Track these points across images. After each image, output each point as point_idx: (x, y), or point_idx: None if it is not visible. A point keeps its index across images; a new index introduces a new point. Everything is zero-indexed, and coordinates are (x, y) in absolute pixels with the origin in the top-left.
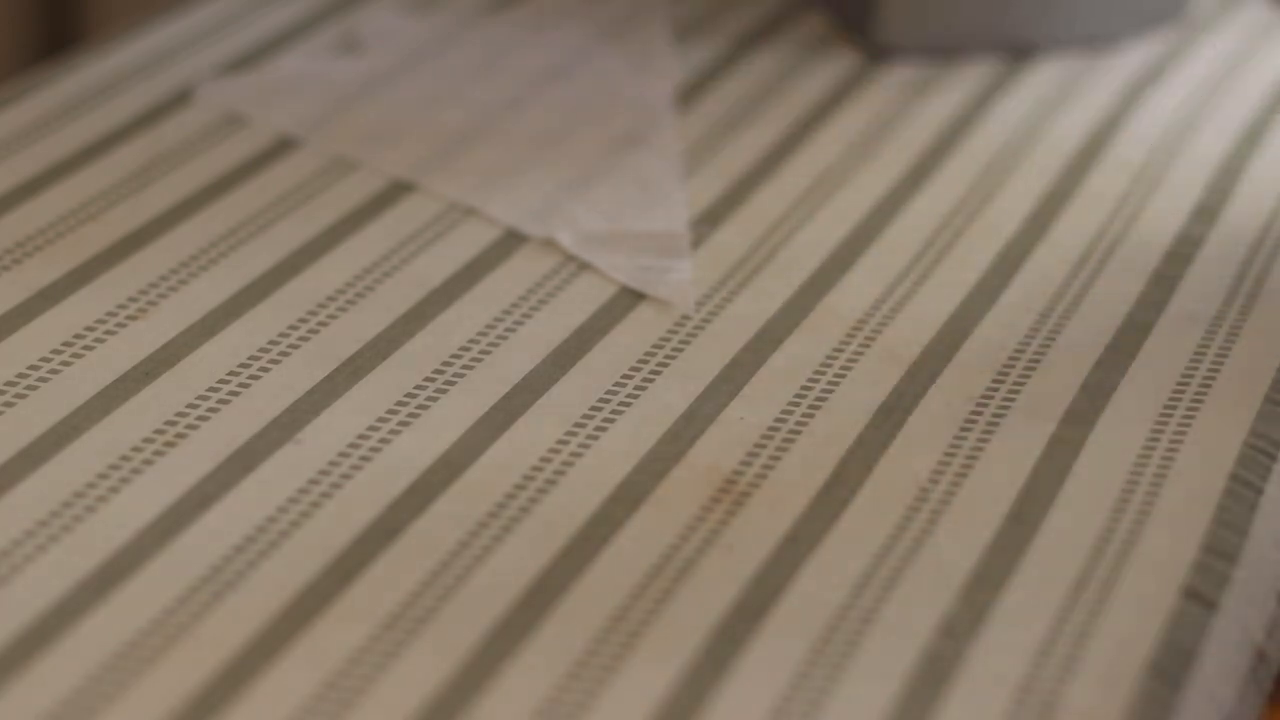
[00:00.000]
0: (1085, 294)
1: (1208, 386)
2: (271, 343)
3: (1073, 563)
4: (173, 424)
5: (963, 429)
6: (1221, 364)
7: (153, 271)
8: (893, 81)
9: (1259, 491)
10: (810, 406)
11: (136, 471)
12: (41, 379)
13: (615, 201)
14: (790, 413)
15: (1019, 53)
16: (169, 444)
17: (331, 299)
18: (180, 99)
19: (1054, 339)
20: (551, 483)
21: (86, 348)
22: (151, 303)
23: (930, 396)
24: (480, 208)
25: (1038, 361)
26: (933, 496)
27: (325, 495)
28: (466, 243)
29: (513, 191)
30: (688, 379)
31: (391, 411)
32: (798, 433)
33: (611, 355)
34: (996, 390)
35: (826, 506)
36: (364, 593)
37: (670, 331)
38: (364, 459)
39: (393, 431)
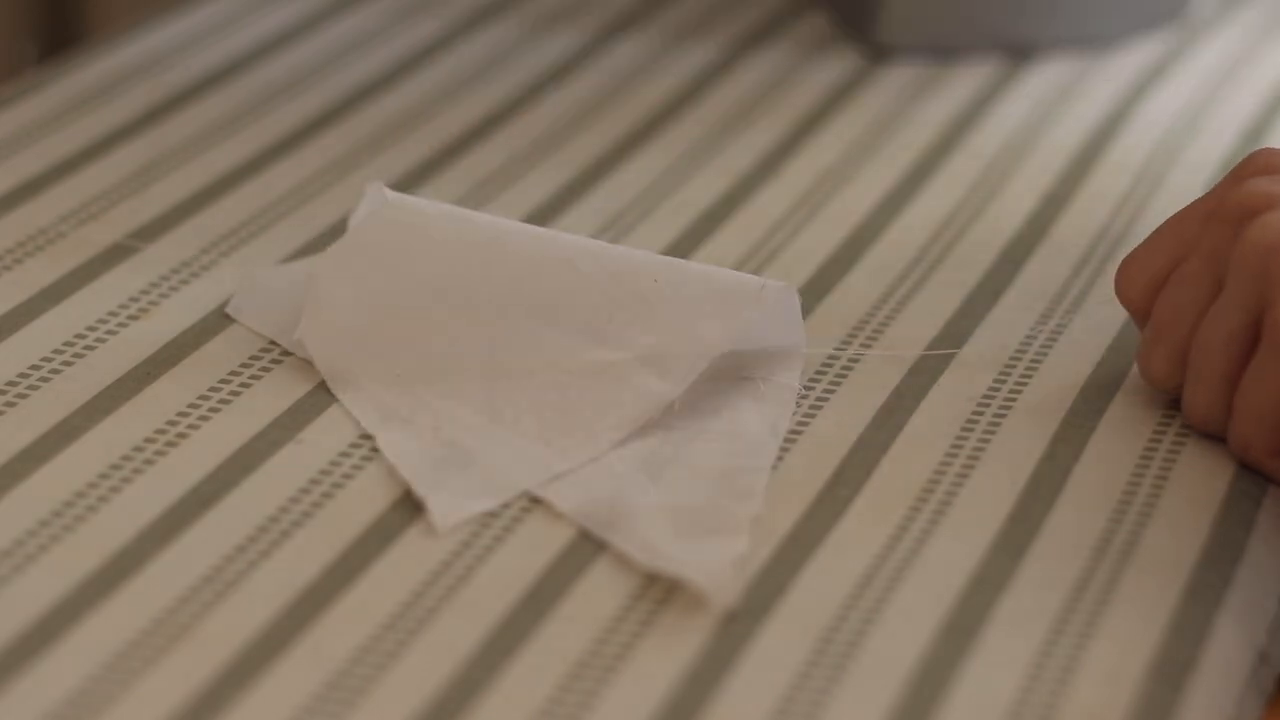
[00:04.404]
0: (1086, 294)
1: None
2: (273, 342)
3: (1074, 563)
4: (173, 424)
5: (963, 429)
6: None
7: (153, 271)
8: (893, 81)
9: (1261, 491)
10: (811, 407)
11: (137, 471)
12: (42, 379)
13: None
14: (791, 413)
15: (1019, 53)
16: (169, 444)
17: None
18: (180, 99)
19: (1055, 339)
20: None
21: (87, 347)
22: (153, 302)
23: (930, 396)
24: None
25: (1038, 361)
26: (933, 497)
27: (326, 495)
28: None
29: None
30: None
31: None
32: (798, 432)
33: None
34: (997, 390)
35: (827, 506)
36: (364, 593)
37: None
38: (364, 459)
39: None
